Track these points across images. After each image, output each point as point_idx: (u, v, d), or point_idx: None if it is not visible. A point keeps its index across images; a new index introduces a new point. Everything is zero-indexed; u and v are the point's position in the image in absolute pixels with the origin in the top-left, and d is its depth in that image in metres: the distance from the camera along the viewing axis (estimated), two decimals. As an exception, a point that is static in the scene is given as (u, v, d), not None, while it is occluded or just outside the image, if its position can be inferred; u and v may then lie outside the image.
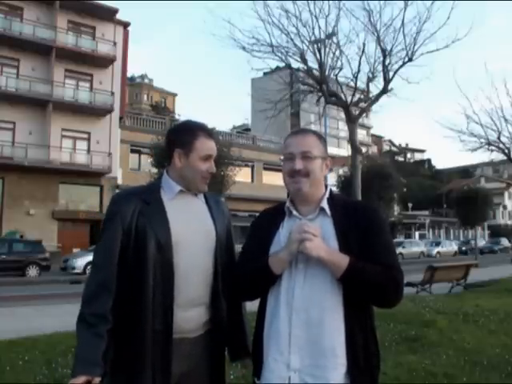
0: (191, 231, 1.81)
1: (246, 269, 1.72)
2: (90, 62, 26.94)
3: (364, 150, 19.74)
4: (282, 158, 1.79)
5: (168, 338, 1.72)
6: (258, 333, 1.71)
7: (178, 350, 1.74)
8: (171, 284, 1.73)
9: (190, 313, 1.78)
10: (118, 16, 28.41)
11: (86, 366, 1.59)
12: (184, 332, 1.77)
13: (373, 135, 70.15)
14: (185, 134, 1.86)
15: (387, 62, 9.75)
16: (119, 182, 26.93)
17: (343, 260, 1.56)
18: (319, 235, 1.59)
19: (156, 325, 1.70)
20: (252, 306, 1.83)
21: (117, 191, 18.18)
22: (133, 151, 28.75)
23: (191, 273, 1.78)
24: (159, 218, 1.78)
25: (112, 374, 1.68)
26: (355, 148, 9.98)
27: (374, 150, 66.63)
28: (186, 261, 1.77)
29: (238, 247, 1.87)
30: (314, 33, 9.79)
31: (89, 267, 17.11)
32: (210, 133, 1.90)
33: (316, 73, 10.23)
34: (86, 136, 27.16)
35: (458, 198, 26.21)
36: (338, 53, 9.99)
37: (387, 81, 9.84)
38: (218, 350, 1.89)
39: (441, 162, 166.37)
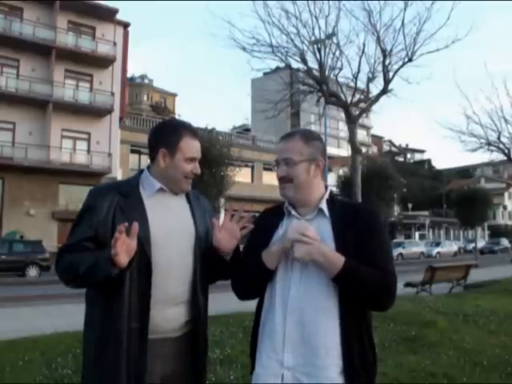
0: (170, 228, 1.78)
1: (244, 266, 1.73)
2: (89, 62, 26.90)
3: (364, 150, 19.74)
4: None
5: (144, 337, 1.67)
6: (255, 332, 1.71)
7: (162, 350, 1.70)
8: (148, 281, 1.69)
9: (171, 311, 1.74)
10: (118, 16, 28.39)
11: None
12: (166, 332, 1.73)
13: (373, 135, 70.16)
14: (170, 134, 1.81)
15: (387, 62, 9.72)
16: (119, 182, 26.91)
17: (338, 260, 1.56)
18: (317, 238, 1.59)
19: (132, 323, 1.65)
20: (252, 307, 1.83)
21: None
22: (133, 151, 28.74)
23: (170, 270, 1.74)
24: (138, 212, 1.73)
25: (87, 370, 1.67)
26: (355, 148, 9.96)
27: (374, 150, 66.65)
28: (164, 257, 1.72)
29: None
30: (313, 33, 9.76)
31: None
32: (195, 133, 1.86)
33: (316, 73, 10.21)
34: (85, 136, 27.15)
35: (458, 198, 26.28)
36: (337, 53, 9.95)
37: (387, 81, 9.82)
38: (200, 350, 1.84)
39: (441, 163, 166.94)
